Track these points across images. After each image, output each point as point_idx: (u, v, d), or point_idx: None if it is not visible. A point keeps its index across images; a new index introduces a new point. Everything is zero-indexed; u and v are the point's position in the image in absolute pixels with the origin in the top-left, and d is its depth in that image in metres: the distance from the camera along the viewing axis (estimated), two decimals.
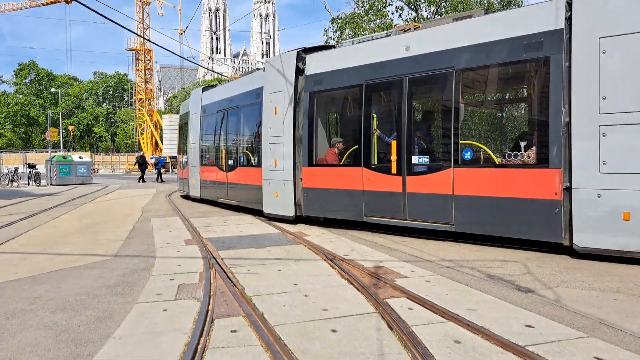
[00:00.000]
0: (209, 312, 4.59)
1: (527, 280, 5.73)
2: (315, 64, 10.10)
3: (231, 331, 4.11)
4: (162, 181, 29.96)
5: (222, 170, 13.76)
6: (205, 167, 15.12)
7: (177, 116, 55.26)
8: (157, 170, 31.81)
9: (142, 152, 37.25)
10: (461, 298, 4.96)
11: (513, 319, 4.30)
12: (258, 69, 12.97)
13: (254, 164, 12.03)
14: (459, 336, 3.92)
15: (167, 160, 49.39)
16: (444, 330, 4.07)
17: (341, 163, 9.76)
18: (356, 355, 3.60)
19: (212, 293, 5.23)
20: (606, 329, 4.11)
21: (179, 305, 4.89)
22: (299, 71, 10.27)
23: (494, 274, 6.00)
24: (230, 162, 13.32)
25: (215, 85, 16.02)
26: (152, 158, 52.31)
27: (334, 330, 4.10)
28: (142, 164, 30.59)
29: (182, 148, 18.09)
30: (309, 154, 10.13)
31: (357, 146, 9.27)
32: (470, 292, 5.20)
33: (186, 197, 17.53)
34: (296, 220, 10.49)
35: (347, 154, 9.67)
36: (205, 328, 4.17)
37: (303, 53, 10.40)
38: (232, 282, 5.70)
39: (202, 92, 15.80)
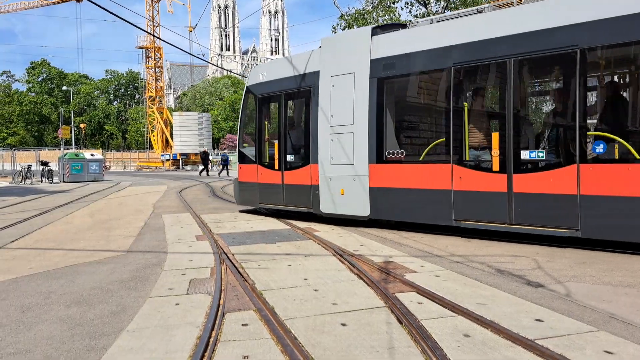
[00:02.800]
0: (221, 306, 4.64)
1: (537, 275, 5.72)
2: None
3: (242, 325, 4.16)
4: (212, 175, 34.11)
5: (484, 169, 7.68)
6: (396, 166, 8.70)
7: (188, 113, 55.61)
8: (223, 166, 36.16)
9: (205, 149, 41.38)
10: (471, 292, 4.97)
11: (523, 313, 4.31)
12: None
13: None
14: (469, 330, 3.94)
15: (178, 157, 49.74)
16: (454, 324, 4.09)
17: None
18: (366, 348, 3.63)
19: (223, 288, 5.29)
20: (617, 323, 4.10)
21: (190, 299, 4.95)
22: None
23: (504, 269, 6.00)
24: (537, 154, 7.28)
25: (404, 25, 9.61)
26: (164, 155, 52.63)
27: (343, 324, 4.14)
28: (205, 159, 35.48)
29: (266, 136, 11.31)
30: None
31: None
32: (480, 287, 5.20)
33: (282, 214, 11.23)
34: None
35: None
36: (217, 322, 4.22)
37: None
38: (242, 277, 5.75)
39: (373, 36, 9.09)
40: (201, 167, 36.87)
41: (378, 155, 8.92)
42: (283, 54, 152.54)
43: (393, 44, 8.83)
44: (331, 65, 9.66)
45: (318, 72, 9.86)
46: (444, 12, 21.10)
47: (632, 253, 6.58)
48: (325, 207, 9.80)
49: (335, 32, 20.67)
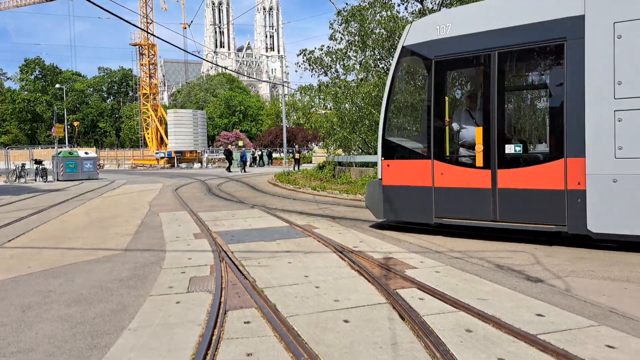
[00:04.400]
0: (222, 304, 4.63)
1: (536, 270, 5.75)
2: None
3: (244, 322, 4.16)
4: (245, 171, 35.78)
5: None
6: None
7: (182, 111, 55.43)
8: (242, 162, 37.51)
9: (228, 146, 41.71)
10: (471, 288, 4.99)
11: (523, 308, 4.33)
12: None
13: None
14: (470, 325, 3.95)
15: (173, 155, 49.59)
16: (455, 319, 4.10)
17: None
18: (369, 344, 3.64)
19: (223, 285, 5.28)
20: (617, 318, 4.12)
21: (191, 297, 4.94)
22: None
23: (504, 264, 6.02)
24: None
25: None
26: (159, 153, 52.40)
27: (346, 321, 4.14)
28: (228, 156, 37.75)
29: (448, 118, 7.92)
30: None
31: None
32: (480, 282, 5.22)
33: None
34: None
35: None
36: (219, 320, 4.22)
37: None
38: (243, 274, 5.74)
39: None
40: (227, 164, 38.12)
41: None
42: (278, 51, 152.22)
43: None
44: (614, 5, 6.52)
45: (580, 17, 6.67)
46: (439, 9, 21.09)
47: (630, 249, 6.61)
48: (602, 224, 6.53)
49: (333, 29, 20.47)
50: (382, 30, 18.61)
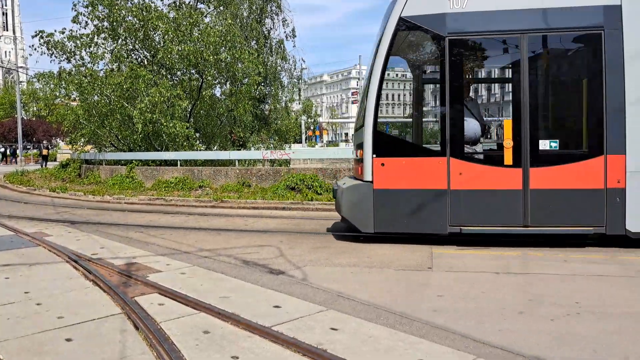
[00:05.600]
0: None
1: (279, 262, 6.03)
2: None
3: None
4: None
5: None
6: None
7: None
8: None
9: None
10: (215, 287, 4.93)
11: (263, 302, 4.44)
12: None
13: None
14: (209, 326, 3.85)
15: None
16: (194, 322, 3.96)
17: None
18: None
19: None
20: (343, 301, 4.55)
21: None
22: None
23: (250, 260, 6.16)
24: None
25: None
26: None
27: (69, 340, 3.61)
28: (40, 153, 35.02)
29: (464, 108, 7.01)
30: None
31: None
32: (225, 280, 5.22)
33: None
34: None
35: None
36: None
37: None
38: None
39: None
40: None
41: None
42: (13, 32, 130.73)
43: None
44: None
45: (617, 6, 6.35)
46: (196, 4, 20.86)
47: (362, 241, 7.45)
48: None
49: (77, 11, 18.19)
50: (135, 19, 17.44)
